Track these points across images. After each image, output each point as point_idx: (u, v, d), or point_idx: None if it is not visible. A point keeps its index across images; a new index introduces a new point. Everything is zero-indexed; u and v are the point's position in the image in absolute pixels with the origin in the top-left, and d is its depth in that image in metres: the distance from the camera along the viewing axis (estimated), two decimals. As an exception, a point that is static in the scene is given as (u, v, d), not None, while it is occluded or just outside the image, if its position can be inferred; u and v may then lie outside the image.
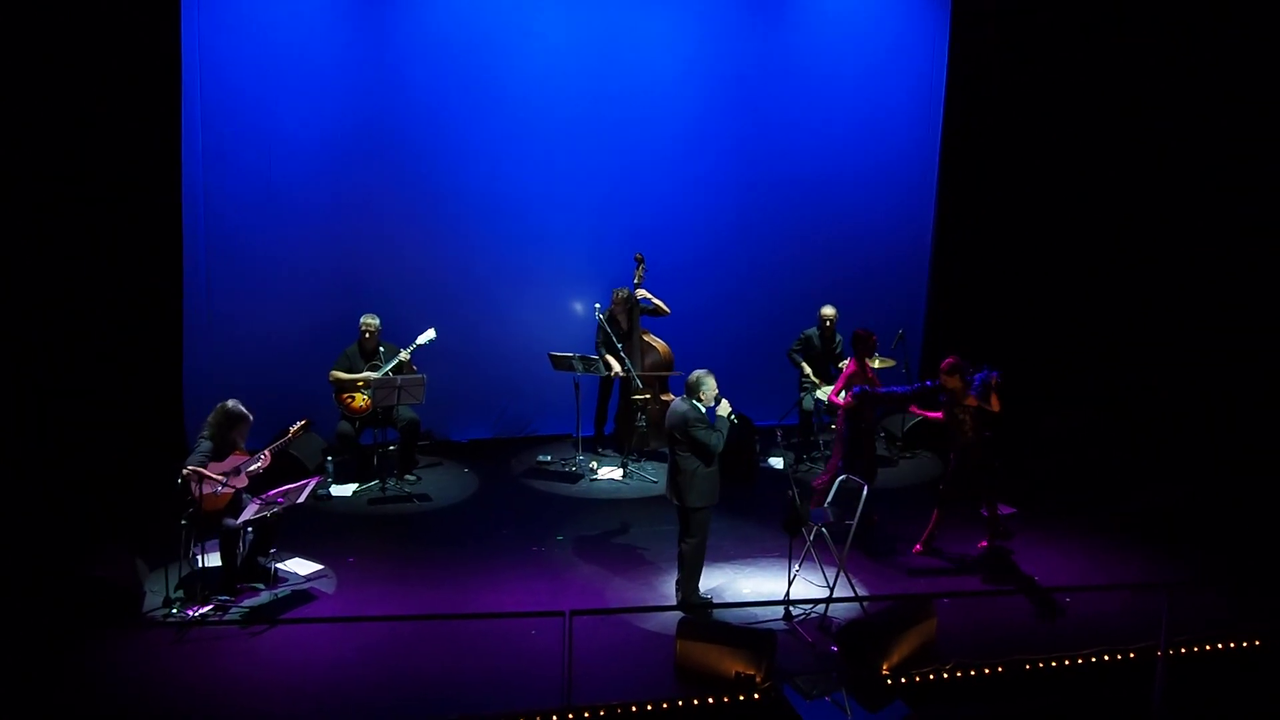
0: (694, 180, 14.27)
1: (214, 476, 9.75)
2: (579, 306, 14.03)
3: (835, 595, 10.12)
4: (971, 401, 10.88)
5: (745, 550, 11.13)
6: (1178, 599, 8.95)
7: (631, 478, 13.06)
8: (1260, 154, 14.14)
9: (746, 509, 11.92)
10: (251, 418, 10.09)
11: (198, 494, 9.70)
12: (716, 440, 9.75)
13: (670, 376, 13.59)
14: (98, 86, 12.05)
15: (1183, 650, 9.45)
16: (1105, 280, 14.99)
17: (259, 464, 10.10)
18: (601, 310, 13.31)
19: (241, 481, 10.03)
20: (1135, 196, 14.79)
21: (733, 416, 9.89)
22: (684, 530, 10.00)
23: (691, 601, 9.93)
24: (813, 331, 13.61)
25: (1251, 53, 14.03)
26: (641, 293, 13.37)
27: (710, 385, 9.83)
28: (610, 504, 12.45)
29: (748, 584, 10.51)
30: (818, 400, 13.35)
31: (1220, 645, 9.62)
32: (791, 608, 9.99)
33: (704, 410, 9.81)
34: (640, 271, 13.35)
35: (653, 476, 13.02)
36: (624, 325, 13.35)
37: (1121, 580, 10.80)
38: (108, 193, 12.29)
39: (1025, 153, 14.89)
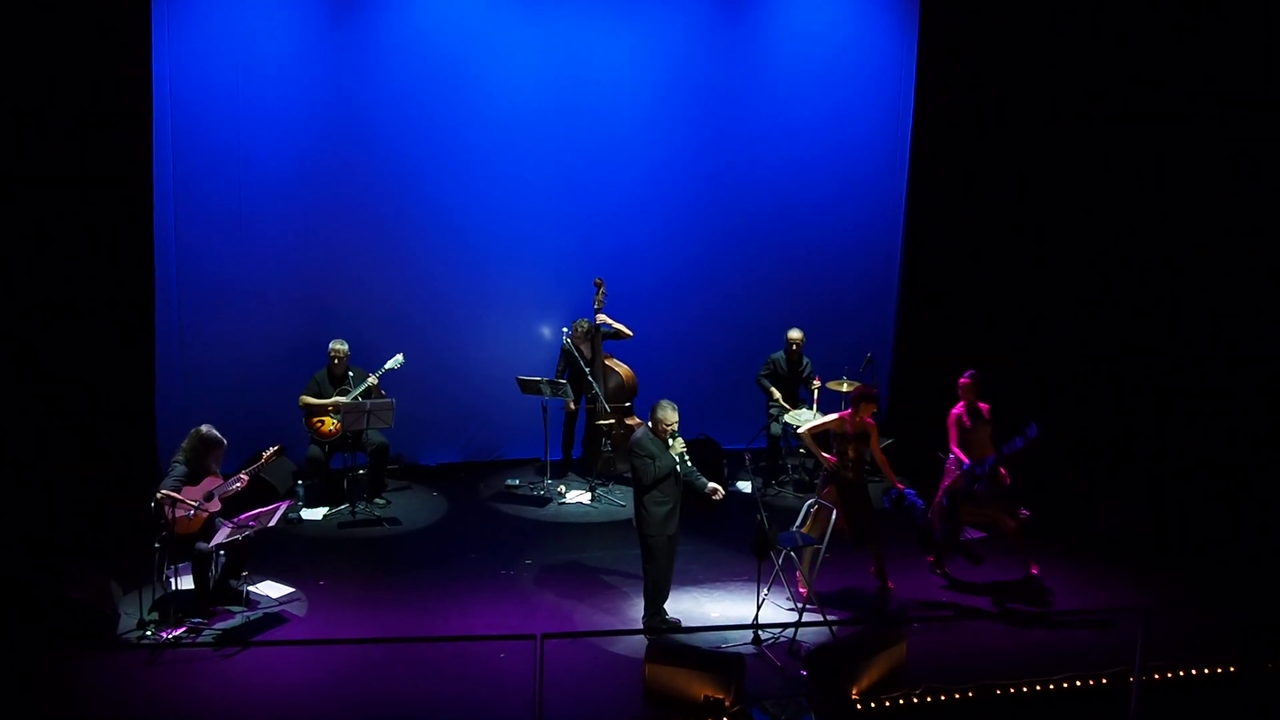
0: (660, 202, 14.36)
1: (187, 501, 9.85)
2: (546, 331, 14.11)
3: (804, 619, 10.22)
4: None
5: (714, 574, 11.23)
6: (1152, 623, 8.99)
7: (600, 502, 13.15)
8: (1248, 153, 14.17)
9: (714, 532, 12.04)
10: (225, 443, 10.18)
11: (171, 518, 9.79)
12: (645, 471, 9.74)
13: (634, 401, 13.67)
14: (67, 113, 12.14)
15: (1156, 675, 9.54)
16: (1076, 302, 15.09)
17: (236, 486, 10.20)
18: (568, 334, 13.42)
19: (215, 506, 10.12)
20: (1107, 216, 14.88)
21: (685, 456, 9.84)
22: (643, 554, 10.11)
23: (653, 625, 10.01)
24: (779, 355, 13.71)
25: (1230, 49, 14.09)
26: (601, 318, 13.46)
27: (665, 418, 9.80)
28: (578, 528, 12.53)
29: (716, 607, 10.60)
30: (785, 424, 13.47)
31: (1195, 670, 9.68)
32: (760, 631, 10.07)
33: (657, 441, 9.80)
34: (600, 296, 13.46)
35: (620, 500, 13.10)
36: (586, 354, 13.46)
37: (1095, 604, 10.92)
38: (79, 218, 12.37)
39: (995, 173, 15.01)
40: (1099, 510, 13.01)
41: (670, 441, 9.84)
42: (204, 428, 10.17)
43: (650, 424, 9.87)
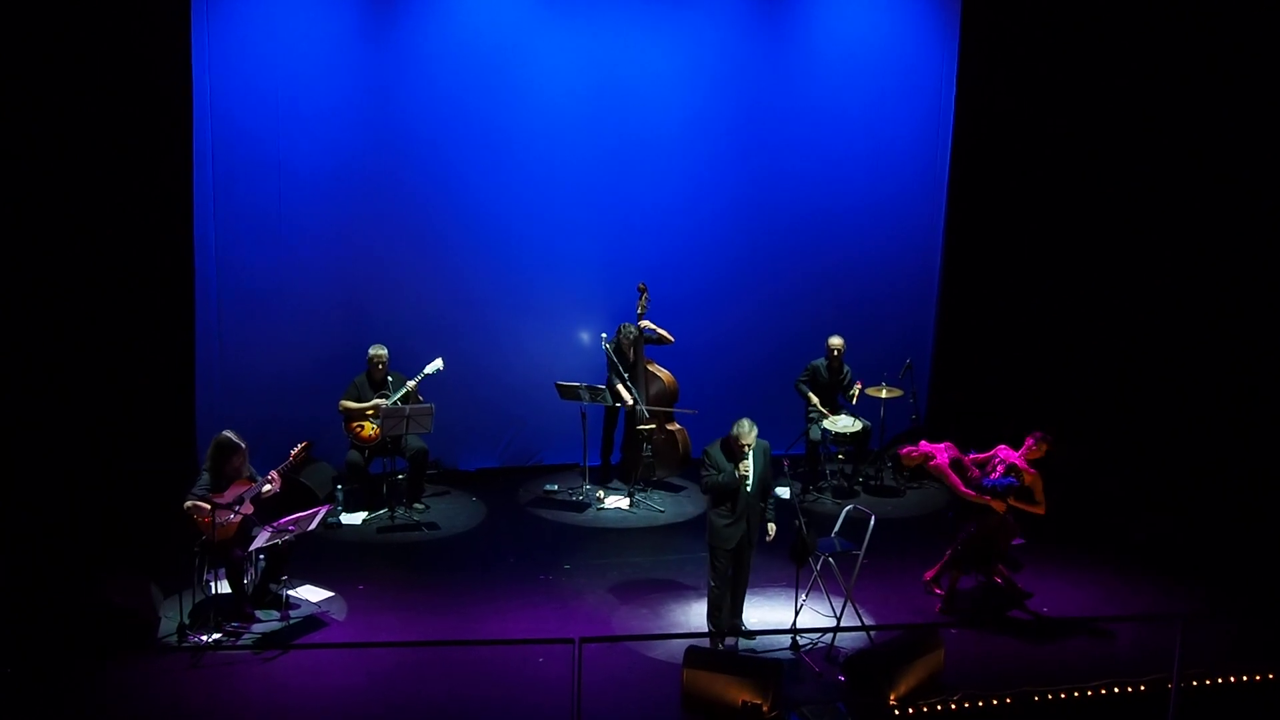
0: (700, 207, 14.37)
1: (203, 507, 10.01)
2: (585, 336, 14.15)
3: (842, 625, 10.26)
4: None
5: (752, 579, 11.14)
6: (1190, 630, 8.99)
7: (638, 507, 13.19)
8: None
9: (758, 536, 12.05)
10: (245, 446, 10.28)
11: (202, 526, 10.02)
12: (707, 481, 9.84)
13: (676, 410, 13.70)
14: (108, 121, 12.37)
15: (1195, 683, 9.53)
16: (1120, 307, 15.03)
17: (270, 487, 10.34)
18: (608, 340, 13.48)
19: (248, 509, 10.26)
20: (1154, 218, 14.82)
21: (747, 478, 9.80)
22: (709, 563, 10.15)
23: (727, 628, 10.08)
24: (820, 362, 13.72)
25: (1267, 55, 14.06)
26: (645, 323, 13.50)
27: (739, 433, 9.79)
28: (617, 533, 12.59)
29: (755, 613, 10.64)
30: (824, 430, 13.50)
31: (1234, 678, 9.67)
32: (798, 637, 10.14)
33: (726, 457, 9.83)
34: (644, 301, 13.48)
35: (659, 506, 13.16)
36: (630, 358, 13.54)
37: (1133, 610, 10.92)
38: (120, 226, 12.60)
39: (1036, 177, 14.93)
40: (1136, 516, 13.00)
41: (742, 461, 9.84)
42: (223, 434, 10.33)
43: (726, 437, 9.92)
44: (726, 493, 9.82)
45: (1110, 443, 14.36)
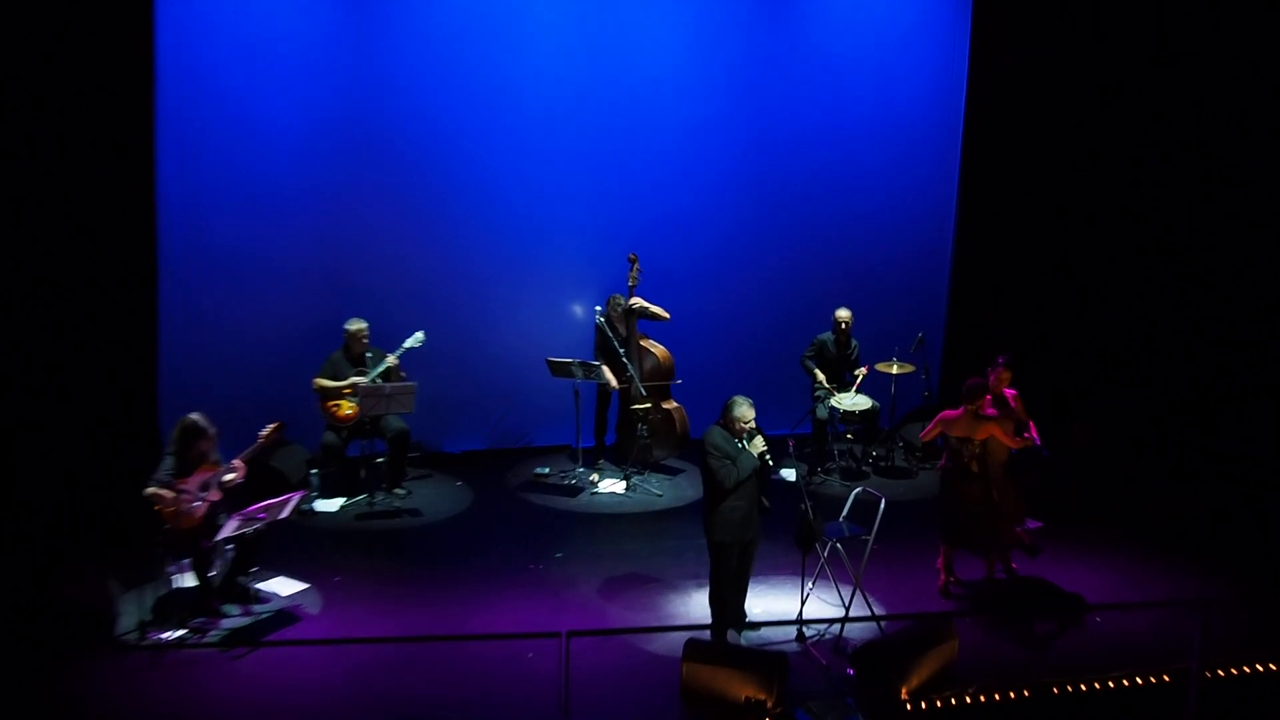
0: (697, 174, 14.27)
1: (165, 494, 9.79)
2: (578, 309, 14.06)
3: (851, 614, 10.15)
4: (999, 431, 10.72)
5: (755, 567, 11.05)
6: (1212, 617, 8.96)
7: (635, 491, 13.09)
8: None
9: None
10: (214, 431, 10.08)
11: (163, 514, 9.81)
12: (725, 474, 9.56)
13: (671, 384, 13.61)
14: (67, 79, 12.06)
15: (1219, 672, 9.43)
16: (1136, 280, 15.00)
17: (233, 475, 10.12)
18: (601, 313, 13.35)
19: (214, 496, 10.06)
20: (1169, 192, 14.79)
21: (767, 456, 9.68)
22: (711, 562, 9.93)
23: (714, 625, 9.96)
24: (827, 336, 13.63)
25: None
26: (637, 301, 13.36)
27: (741, 414, 9.63)
28: (612, 519, 12.50)
29: (758, 603, 10.52)
30: (832, 409, 13.38)
31: (1258, 666, 9.57)
32: (804, 628, 10.05)
33: (734, 439, 9.66)
34: (635, 273, 13.35)
35: (657, 490, 13.08)
36: (622, 332, 13.40)
37: (1152, 596, 10.86)
38: (78, 190, 12.28)
39: (1055, 138, 14.87)
40: (1157, 497, 12.99)
41: (745, 441, 9.66)
42: (190, 416, 10.11)
43: (723, 421, 9.72)
44: (743, 482, 9.62)
45: (1130, 420, 14.35)
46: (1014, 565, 11.08)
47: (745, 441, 9.65)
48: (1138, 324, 14.98)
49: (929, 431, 10.91)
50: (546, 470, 13.61)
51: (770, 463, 9.73)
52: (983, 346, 14.44)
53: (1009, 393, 11.23)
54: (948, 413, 10.74)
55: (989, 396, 10.73)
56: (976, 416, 10.57)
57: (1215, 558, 11.69)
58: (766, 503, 9.90)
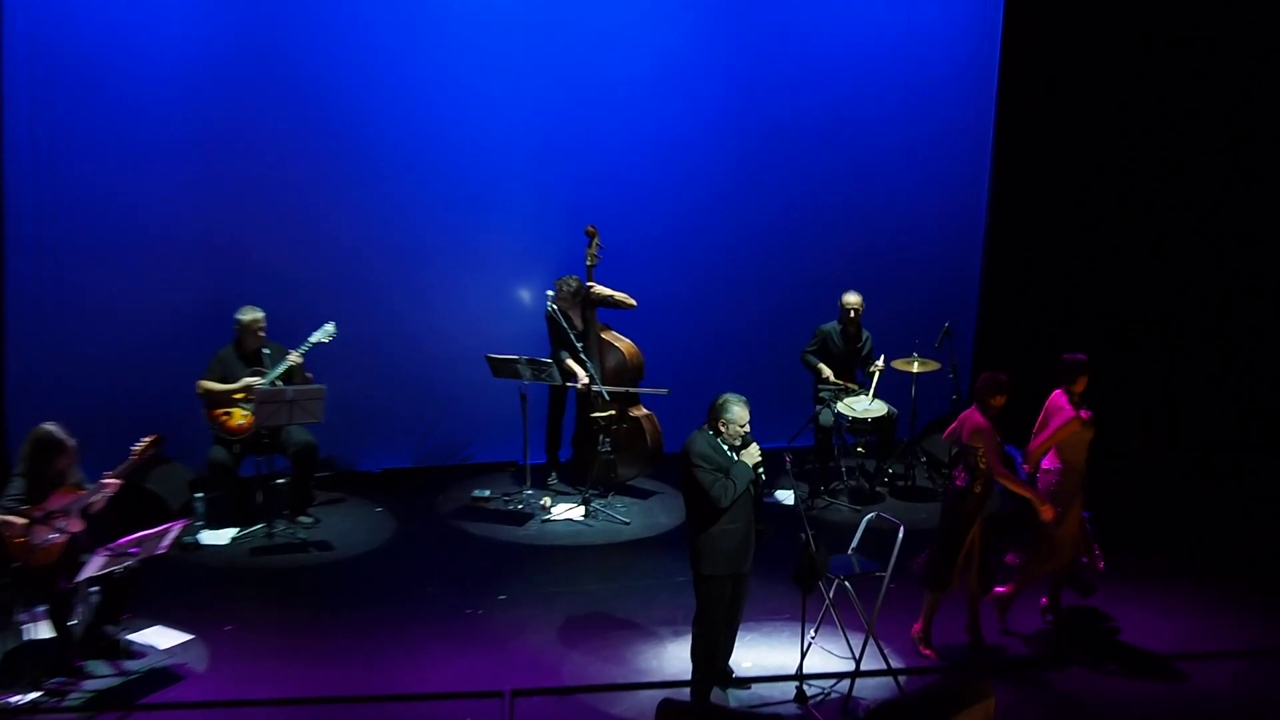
0: (670, 127, 14.38)
1: (16, 523, 9.76)
2: (525, 295, 14.17)
3: (862, 668, 10.19)
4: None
5: (747, 611, 11.09)
6: None
7: (595, 518, 13.14)
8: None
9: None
10: (73, 444, 10.09)
11: (11, 548, 9.78)
12: (721, 490, 9.52)
13: (642, 390, 13.68)
14: None
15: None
16: (1191, 271, 15.22)
17: (100, 496, 10.12)
18: (553, 299, 13.40)
19: (76, 526, 10.04)
20: (1218, 176, 15.03)
21: (761, 470, 9.71)
22: (698, 601, 9.95)
23: (695, 681, 9.96)
24: (832, 326, 13.70)
25: None
26: (597, 288, 13.44)
27: (735, 415, 9.63)
28: (568, 552, 12.56)
29: (749, 655, 10.57)
30: (839, 415, 13.42)
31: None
32: (805, 685, 10.06)
33: (724, 447, 9.68)
34: (594, 249, 13.43)
35: (623, 517, 13.12)
36: (577, 323, 13.46)
37: (1231, 645, 10.99)
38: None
39: (1095, 118, 15.09)
40: (1236, 525, 13.14)
41: (737, 450, 9.67)
42: (44, 427, 10.08)
43: (710, 426, 9.73)
44: (722, 503, 9.61)
45: (1201, 432, 14.49)
46: (1060, 606, 11.20)
47: (737, 450, 9.68)
48: (1209, 317, 15.17)
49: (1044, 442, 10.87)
50: (487, 493, 13.64)
51: (764, 477, 9.76)
52: (1022, 340, 14.58)
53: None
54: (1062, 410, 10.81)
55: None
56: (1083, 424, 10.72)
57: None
58: (763, 526, 9.92)
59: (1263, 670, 10.33)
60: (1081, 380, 10.75)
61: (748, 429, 9.66)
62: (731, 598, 9.91)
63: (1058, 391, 10.84)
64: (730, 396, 9.68)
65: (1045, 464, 10.84)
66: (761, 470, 9.70)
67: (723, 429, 9.64)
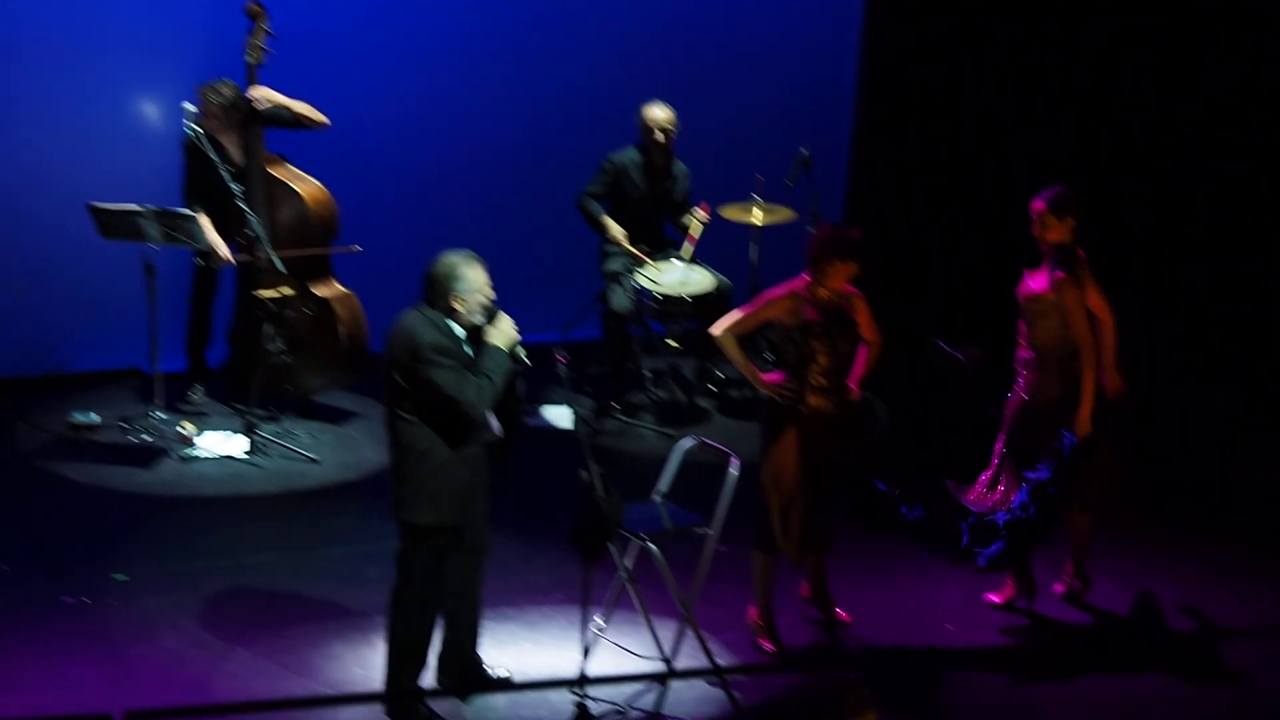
0: None
1: None
2: (151, 110, 14.24)
3: (677, 669, 10.34)
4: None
5: (499, 581, 11.16)
6: None
7: (267, 454, 13.24)
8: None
9: (502, 507, 11.94)
10: None
11: None
12: (474, 392, 9.64)
13: (333, 250, 13.79)
14: None
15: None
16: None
17: None
18: (194, 117, 13.33)
19: None
20: None
21: (520, 351, 9.85)
22: (401, 562, 10.04)
23: (403, 690, 10.02)
24: (628, 156, 13.94)
25: None
26: (263, 92, 13.41)
27: (472, 282, 9.74)
28: (224, 507, 12.66)
29: (503, 655, 10.64)
30: (641, 292, 13.60)
31: None
32: (588, 695, 10.12)
33: (459, 331, 9.80)
34: (259, 36, 13.43)
35: (310, 451, 13.26)
36: (235, 153, 13.51)
37: (1229, 618, 11.48)
38: None
39: None
40: (1243, 464, 13.69)
41: (487, 322, 9.83)
42: None
43: (437, 303, 9.78)
44: (478, 413, 9.77)
45: (1186, 334, 15.27)
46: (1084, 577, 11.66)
47: (479, 331, 9.82)
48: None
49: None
50: (95, 419, 13.64)
51: (528, 364, 9.90)
52: (920, 173, 14.86)
53: (849, 291, 11.26)
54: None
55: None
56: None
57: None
58: (497, 428, 10.01)
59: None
60: (840, 265, 10.87)
61: (491, 296, 9.77)
62: (465, 563, 10.06)
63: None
64: (453, 257, 9.75)
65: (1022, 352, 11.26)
66: (522, 351, 9.81)
67: (456, 306, 9.69)
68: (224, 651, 10.78)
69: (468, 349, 9.69)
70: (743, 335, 11.08)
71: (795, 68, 15.58)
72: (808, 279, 10.81)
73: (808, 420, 10.79)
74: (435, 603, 9.99)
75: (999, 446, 11.30)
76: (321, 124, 13.57)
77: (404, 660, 9.99)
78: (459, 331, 9.70)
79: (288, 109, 13.46)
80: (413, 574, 9.90)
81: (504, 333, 9.74)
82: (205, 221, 13.24)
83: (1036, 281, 11.08)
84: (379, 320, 13.29)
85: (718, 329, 11.06)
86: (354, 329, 13.77)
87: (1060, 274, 10.92)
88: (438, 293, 9.67)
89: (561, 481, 10.53)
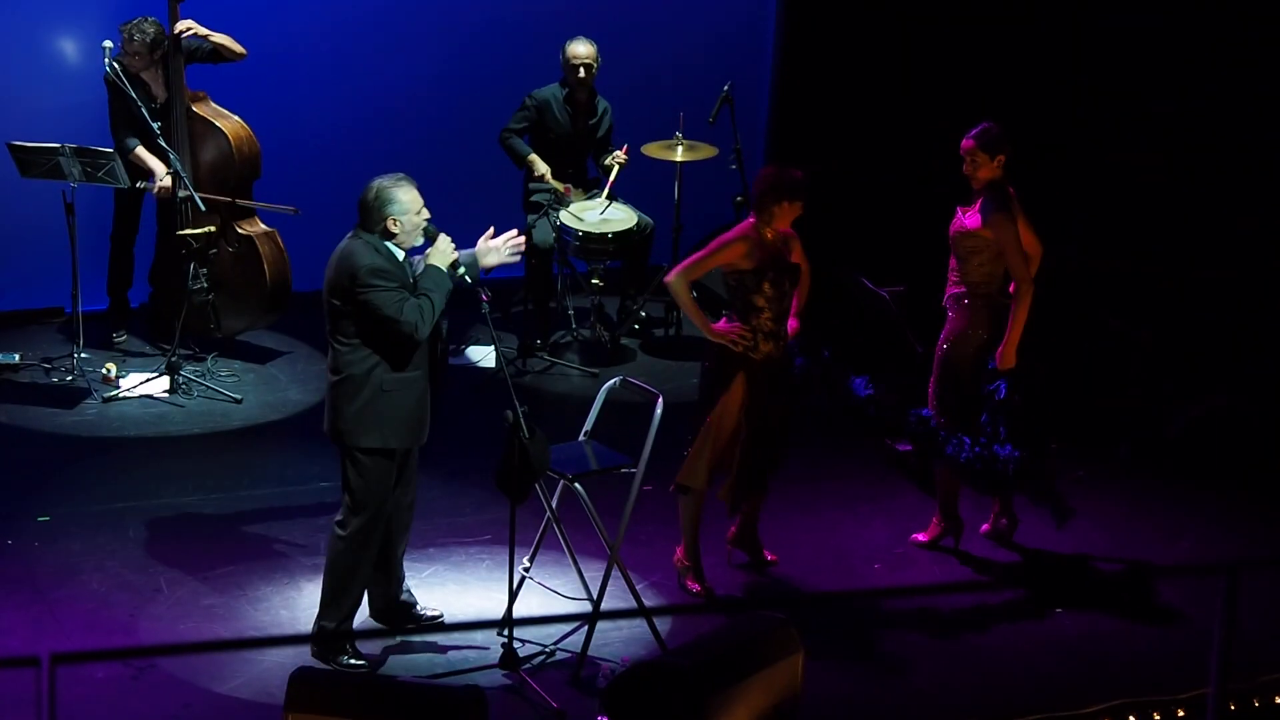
0: None
1: None
2: (70, 47, 14.17)
3: (603, 610, 10.34)
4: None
5: (429, 527, 11.30)
6: (1249, 586, 9.26)
7: (189, 393, 13.20)
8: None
9: (427, 449, 11.92)
10: None
11: None
12: (413, 313, 9.66)
13: (268, 206, 13.71)
14: None
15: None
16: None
17: None
18: (114, 54, 13.28)
19: None
20: None
21: (463, 272, 9.88)
22: (348, 491, 10.01)
23: (330, 630, 10.00)
24: (551, 92, 13.89)
25: None
26: (187, 23, 13.34)
27: (406, 204, 9.76)
28: (149, 447, 12.62)
29: (430, 597, 10.64)
30: (563, 230, 13.59)
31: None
32: (516, 640, 10.10)
33: (398, 254, 9.82)
34: None
35: (233, 391, 13.24)
36: (156, 89, 13.43)
37: (1155, 557, 11.56)
38: None
39: None
40: (1167, 402, 13.68)
41: (426, 244, 9.87)
42: None
43: (373, 227, 9.79)
44: (419, 333, 9.77)
45: (1109, 276, 15.11)
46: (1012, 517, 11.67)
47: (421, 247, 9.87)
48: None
49: None
50: (15, 359, 13.59)
51: (468, 281, 9.90)
52: (847, 109, 14.82)
53: (788, 231, 11.26)
54: None
55: None
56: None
57: (1258, 492, 12.42)
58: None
59: (1189, 592, 10.92)
60: (787, 207, 10.87)
61: (428, 216, 9.82)
62: (399, 497, 10.09)
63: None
64: (385, 180, 9.80)
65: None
66: (463, 271, 9.86)
67: (393, 228, 9.72)
68: (149, 594, 10.74)
69: (408, 264, 9.76)
70: (694, 281, 11.05)
71: (717, 4, 15.53)
72: (753, 220, 10.80)
73: (759, 366, 10.84)
74: (379, 534, 9.97)
75: (930, 394, 11.37)
76: (240, 55, 13.53)
77: (342, 595, 9.97)
78: (398, 254, 9.72)
79: (206, 39, 13.40)
80: (358, 503, 9.90)
81: (443, 252, 9.78)
82: (141, 150, 13.24)
83: (970, 218, 11.09)
84: (301, 259, 13.42)
85: (671, 276, 11.01)
86: (278, 267, 13.69)
87: (996, 212, 10.96)
88: (373, 218, 9.72)
89: (486, 421, 10.46)
